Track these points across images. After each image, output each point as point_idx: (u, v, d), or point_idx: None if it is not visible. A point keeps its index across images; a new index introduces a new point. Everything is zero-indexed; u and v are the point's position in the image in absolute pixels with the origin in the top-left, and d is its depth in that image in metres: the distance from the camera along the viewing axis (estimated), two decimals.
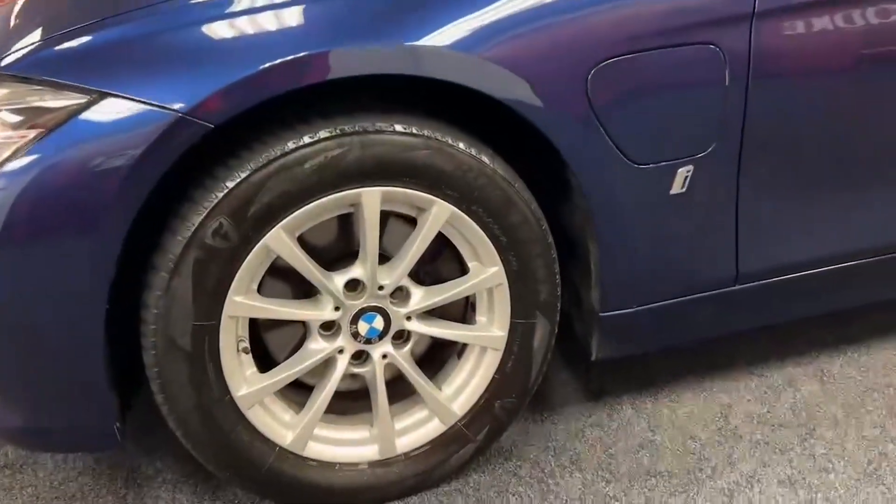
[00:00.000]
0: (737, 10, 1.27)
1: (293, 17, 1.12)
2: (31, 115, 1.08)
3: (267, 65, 1.07)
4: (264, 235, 1.16)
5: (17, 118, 1.08)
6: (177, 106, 1.06)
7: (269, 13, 1.12)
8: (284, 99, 1.10)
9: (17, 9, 1.36)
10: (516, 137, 1.29)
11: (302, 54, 1.08)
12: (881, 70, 1.38)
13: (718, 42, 1.27)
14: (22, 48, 1.13)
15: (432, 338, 1.38)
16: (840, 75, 1.36)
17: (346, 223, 1.28)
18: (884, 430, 1.53)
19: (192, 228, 1.12)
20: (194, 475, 1.45)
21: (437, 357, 1.43)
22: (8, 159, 1.08)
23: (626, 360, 1.62)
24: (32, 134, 1.07)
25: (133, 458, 1.50)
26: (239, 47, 1.10)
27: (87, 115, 1.07)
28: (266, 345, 1.32)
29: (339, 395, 1.33)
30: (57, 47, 1.11)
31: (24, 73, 1.09)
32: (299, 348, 1.30)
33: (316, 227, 1.23)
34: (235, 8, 1.13)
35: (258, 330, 1.30)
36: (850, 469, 1.44)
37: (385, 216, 1.25)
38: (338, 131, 1.15)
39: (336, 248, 1.30)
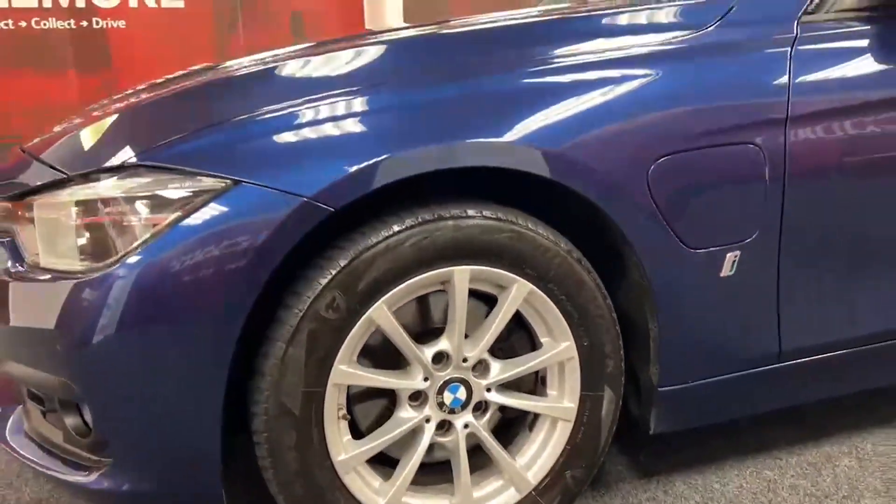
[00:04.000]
0: (773, 115, 1.46)
1: (406, 116, 1.29)
2: (169, 201, 1.22)
3: (384, 157, 1.23)
4: (369, 309, 1.28)
5: (157, 203, 1.22)
6: (304, 192, 1.20)
7: (382, 114, 1.29)
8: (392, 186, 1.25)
9: (133, 110, 1.52)
10: (575, 223, 1.44)
11: (418, 148, 1.24)
12: None
13: (758, 142, 1.45)
14: (157, 142, 1.27)
15: (501, 412, 1.49)
16: (865, 170, 1.54)
17: (423, 302, 1.41)
18: None
19: (309, 302, 1.24)
20: None
21: (506, 431, 1.52)
22: (148, 240, 1.21)
23: (675, 439, 1.72)
24: (171, 217, 1.21)
25: None
26: (358, 141, 1.26)
27: (221, 200, 1.20)
28: (352, 414, 1.41)
29: (419, 466, 1.42)
30: (194, 141, 1.26)
31: (163, 163, 1.24)
32: (381, 418, 1.40)
33: (402, 305, 1.36)
34: (354, 109, 1.29)
35: (347, 400, 1.40)
36: None
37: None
38: (435, 216, 1.29)
39: (416, 324, 1.42)
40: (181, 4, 6.35)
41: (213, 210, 1.20)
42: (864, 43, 1.57)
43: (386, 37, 1.65)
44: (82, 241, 1.28)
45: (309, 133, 1.26)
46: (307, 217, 1.21)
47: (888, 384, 1.82)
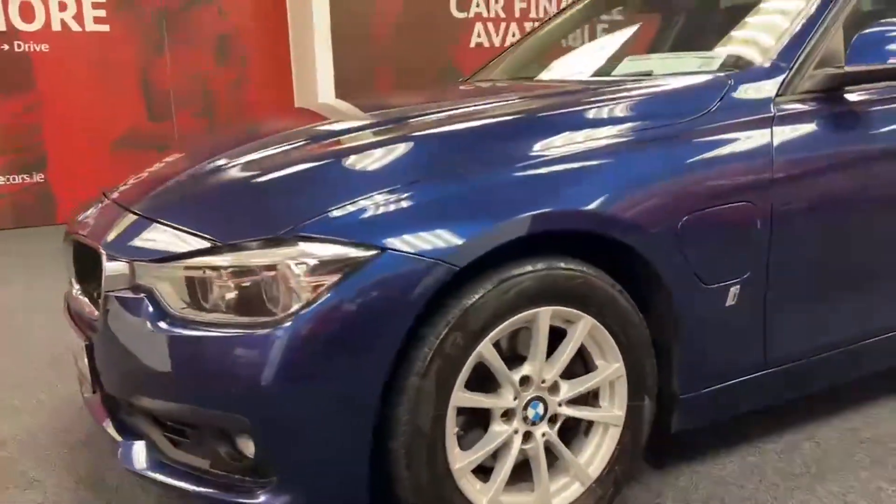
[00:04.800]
0: (762, 177, 1.88)
1: (514, 188, 1.63)
2: (329, 265, 1.50)
3: (502, 223, 1.56)
4: (479, 344, 1.60)
5: (319, 267, 1.50)
6: (439, 256, 1.51)
7: (485, 192, 1.62)
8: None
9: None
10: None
11: (520, 216, 1.58)
12: (863, 213, 2.03)
13: (752, 200, 1.87)
14: (309, 216, 1.55)
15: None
16: (830, 218, 2.00)
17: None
18: (871, 471, 2.09)
19: (436, 343, 1.55)
20: None
21: (563, 436, 1.87)
22: (312, 300, 1.48)
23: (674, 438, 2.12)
24: (331, 280, 1.49)
25: None
26: (473, 213, 1.58)
27: (372, 266, 1.50)
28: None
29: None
30: (344, 215, 1.54)
31: (321, 234, 1.52)
32: (466, 432, 1.72)
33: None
34: (462, 188, 1.61)
35: None
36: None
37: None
38: (529, 268, 1.63)
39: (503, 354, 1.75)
40: (106, 28, 6.39)
41: (365, 273, 1.49)
42: (819, 118, 2.02)
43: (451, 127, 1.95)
44: (244, 299, 1.54)
45: (436, 206, 1.57)
46: (440, 275, 1.52)
47: (849, 380, 2.29)
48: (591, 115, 1.87)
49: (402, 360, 1.57)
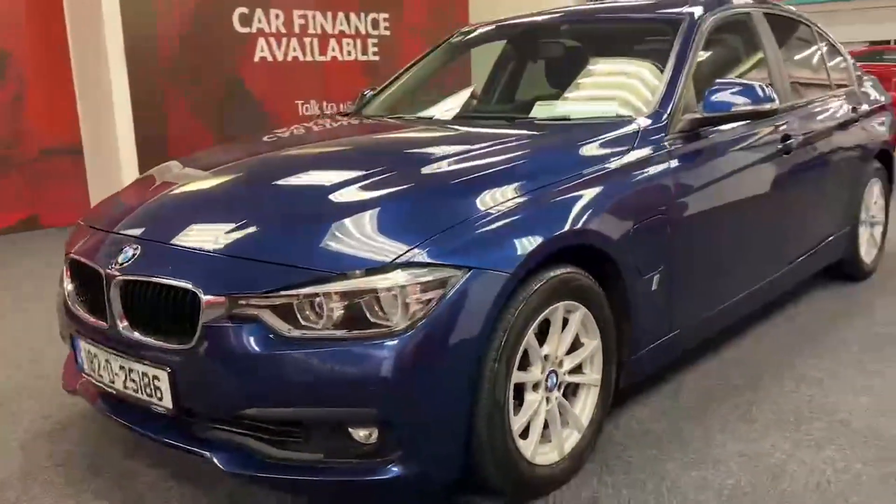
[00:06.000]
0: (667, 195, 2.63)
1: (544, 215, 2.19)
2: (434, 284, 1.95)
3: (544, 240, 2.12)
4: (526, 335, 2.14)
5: (428, 286, 1.94)
6: (506, 269, 2.03)
7: (531, 217, 2.17)
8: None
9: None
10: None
11: (555, 234, 2.16)
12: (724, 214, 2.88)
13: (663, 212, 2.61)
14: (412, 244, 1.98)
15: None
16: (708, 220, 2.82)
17: None
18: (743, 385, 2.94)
19: (504, 335, 2.07)
20: None
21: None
22: (428, 312, 1.93)
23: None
24: (436, 295, 1.95)
25: None
26: (522, 236, 2.11)
27: (466, 281, 1.98)
28: None
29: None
30: (440, 242, 2.00)
31: (428, 259, 1.96)
32: None
33: None
34: (518, 215, 2.15)
35: None
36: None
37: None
38: (552, 274, 2.20)
39: None
40: None
41: (459, 289, 1.97)
42: (691, 150, 2.82)
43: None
44: (357, 316, 1.93)
45: (498, 233, 2.09)
46: (509, 283, 2.04)
47: (723, 328, 3.19)
48: (582, 152, 2.51)
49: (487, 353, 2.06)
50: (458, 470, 2.09)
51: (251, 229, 2.17)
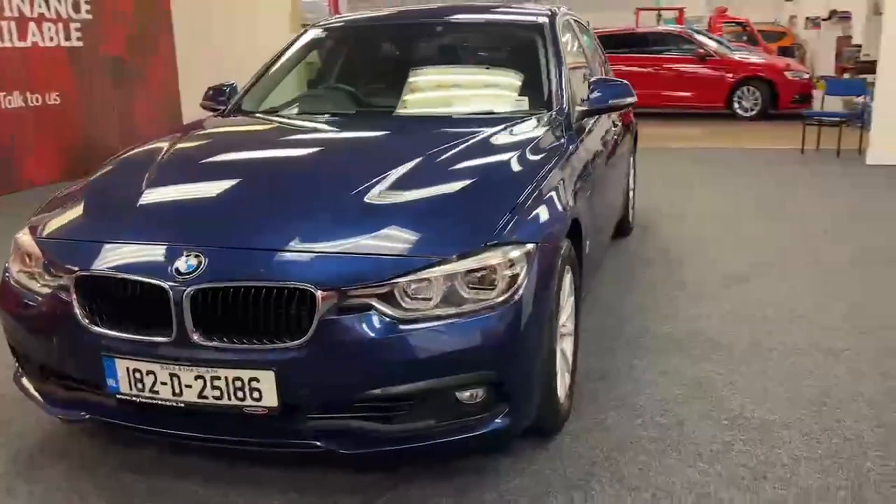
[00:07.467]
0: (581, 166, 3.24)
1: (563, 191, 2.65)
2: (521, 259, 2.31)
3: (568, 215, 2.59)
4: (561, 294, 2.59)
5: (517, 261, 2.30)
6: (555, 241, 2.47)
7: (559, 192, 2.60)
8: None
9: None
10: None
11: (572, 206, 2.65)
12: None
13: (581, 182, 3.22)
14: (493, 229, 2.32)
15: None
16: (594, 183, 3.47)
17: None
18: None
19: (557, 298, 2.49)
20: None
21: None
22: (521, 282, 2.29)
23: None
24: (523, 268, 2.31)
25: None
26: (554, 217, 2.55)
27: (538, 253, 2.37)
28: None
29: None
30: (512, 225, 2.35)
31: (514, 239, 2.32)
32: None
33: None
34: (554, 188, 2.57)
35: None
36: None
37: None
38: (564, 245, 2.66)
39: None
40: None
41: (536, 260, 2.36)
42: (572, 132, 3.45)
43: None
44: (462, 292, 2.23)
45: (540, 215, 2.50)
46: (558, 253, 2.48)
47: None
48: (550, 137, 2.98)
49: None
50: (535, 414, 2.48)
51: (341, 227, 2.33)
